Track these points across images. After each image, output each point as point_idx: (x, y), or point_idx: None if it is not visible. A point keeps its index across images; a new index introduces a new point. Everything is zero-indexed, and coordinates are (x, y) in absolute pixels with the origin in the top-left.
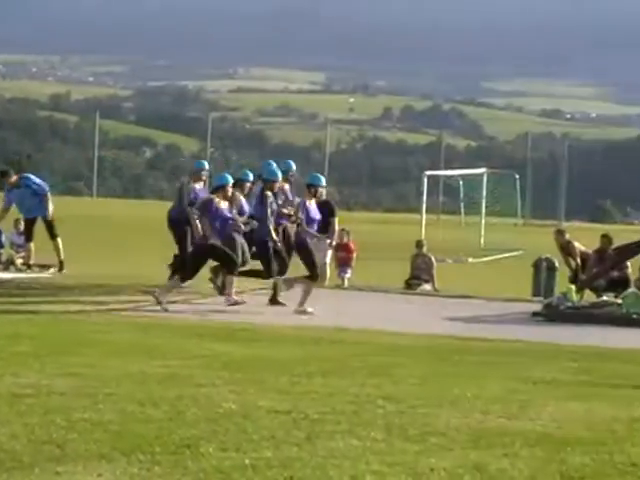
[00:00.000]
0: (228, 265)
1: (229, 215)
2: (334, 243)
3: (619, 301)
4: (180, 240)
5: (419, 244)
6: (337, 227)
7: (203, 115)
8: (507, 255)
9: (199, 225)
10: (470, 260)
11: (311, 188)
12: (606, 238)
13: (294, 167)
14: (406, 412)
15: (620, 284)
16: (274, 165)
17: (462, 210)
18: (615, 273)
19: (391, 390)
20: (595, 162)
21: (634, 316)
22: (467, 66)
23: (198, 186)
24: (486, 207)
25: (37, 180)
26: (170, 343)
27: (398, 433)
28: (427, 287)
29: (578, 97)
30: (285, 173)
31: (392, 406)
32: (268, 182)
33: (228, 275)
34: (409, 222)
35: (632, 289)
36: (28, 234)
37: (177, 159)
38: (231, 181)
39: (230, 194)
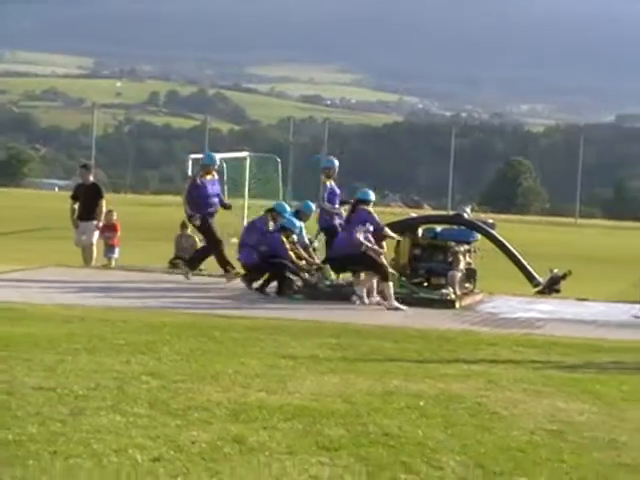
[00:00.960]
0: (381, 273)
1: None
2: (101, 224)
3: None
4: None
5: (183, 225)
6: (104, 209)
7: None
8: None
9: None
10: (234, 240)
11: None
12: None
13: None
14: (169, 387)
15: None
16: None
17: (226, 192)
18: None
19: (155, 366)
20: (354, 146)
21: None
22: (231, 52)
23: (209, 177)
24: (249, 189)
25: None
26: None
27: (161, 408)
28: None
29: (337, 83)
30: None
31: (156, 382)
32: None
33: (384, 282)
34: (175, 204)
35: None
36: None
37: None
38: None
39: None
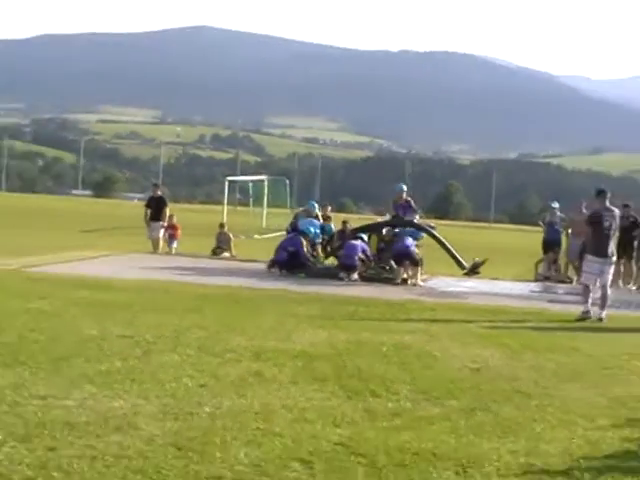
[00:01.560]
0: (416, 263)
1: None
2: (165, 224)
3: None
4: None
5: (221, 225)
6: (168, 213)
7: (78, 137)
8: (280, 233)
9: None
10: (256, 236)
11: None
12: (345, 222)
13: (404, 187)
14: (211, 337)
15: None
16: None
17: (251, 203)
18: None
19: (201, 322)
20: (340, 173)
21: (364, 274)
22: (255, 107)
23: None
24: (267, 201)
25: None
26: (56, 290)
27: (206, 351)
28: (227, 254)
29: (327, 129)
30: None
31: (202, 332)
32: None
33: (416, 267)
34: (216, 211)
35: None
36: None
37: (60, 167)
38: None
39: None
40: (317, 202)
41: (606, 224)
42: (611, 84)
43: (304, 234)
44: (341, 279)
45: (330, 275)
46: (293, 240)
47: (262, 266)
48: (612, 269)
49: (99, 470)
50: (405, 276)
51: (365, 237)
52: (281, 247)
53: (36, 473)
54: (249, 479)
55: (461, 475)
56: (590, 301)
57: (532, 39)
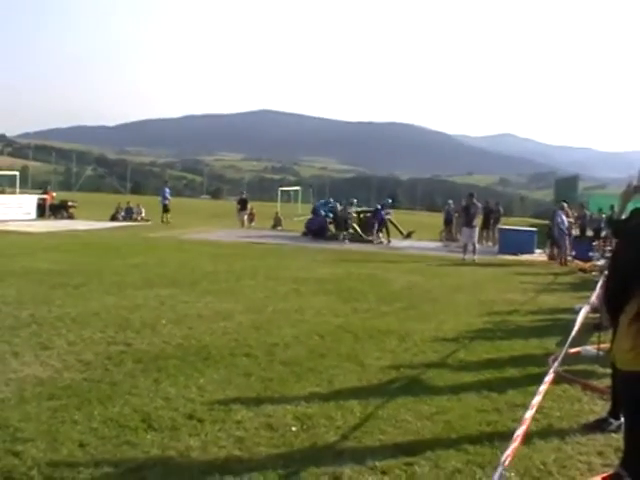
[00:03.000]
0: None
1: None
2: (247, 212)
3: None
4: None
5: (277, 213)
6: (249, 207)
7: (203, 168)
8: (307, 216)
9: None
10: (295, 218)
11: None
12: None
13: (390, 201)
14: (271, 271)
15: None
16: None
17: (292, 201)
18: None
19: (264, 264)
20: (338, 185)
21: (351, 238)
22: (294, 153)
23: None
24: (300, 200)
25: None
26: (192, 247)
27: (268, 278)
28: (280, 228)
29: (331, 162)
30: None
31: (266, 269)
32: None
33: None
34: (274, 205)
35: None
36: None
37: (194, 183)
38: None
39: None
40: (339, 203)
41: (472, 211)
42: (480, 139)
43: (322, 215)
44: (339, 240)
45: (334, 238)
46: (315, 219)
47: (298, 234)
48: (476, 233)
49: (214, 339)
50: (373, 238)
51: (354, 215)
52: (309, 223)
53: (183, 340)
54: (292, 344)
55: (402, 340)
56: (466, 252)
57: (443, 113)
